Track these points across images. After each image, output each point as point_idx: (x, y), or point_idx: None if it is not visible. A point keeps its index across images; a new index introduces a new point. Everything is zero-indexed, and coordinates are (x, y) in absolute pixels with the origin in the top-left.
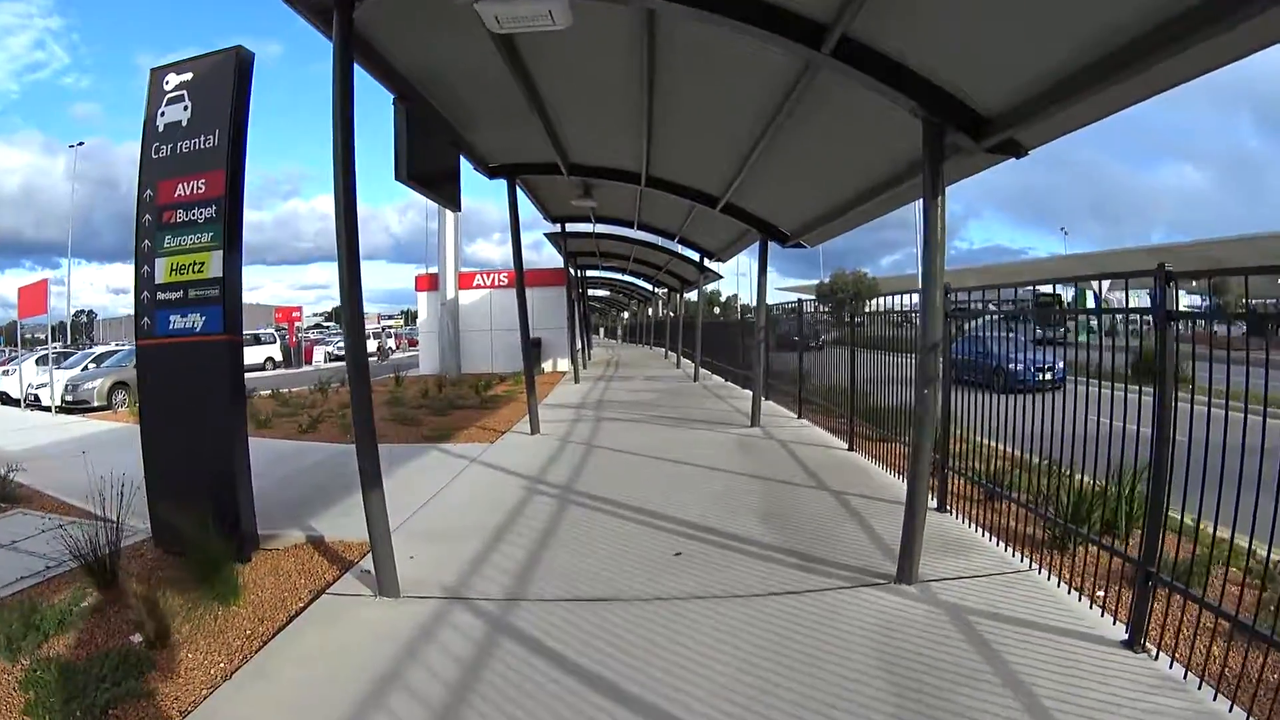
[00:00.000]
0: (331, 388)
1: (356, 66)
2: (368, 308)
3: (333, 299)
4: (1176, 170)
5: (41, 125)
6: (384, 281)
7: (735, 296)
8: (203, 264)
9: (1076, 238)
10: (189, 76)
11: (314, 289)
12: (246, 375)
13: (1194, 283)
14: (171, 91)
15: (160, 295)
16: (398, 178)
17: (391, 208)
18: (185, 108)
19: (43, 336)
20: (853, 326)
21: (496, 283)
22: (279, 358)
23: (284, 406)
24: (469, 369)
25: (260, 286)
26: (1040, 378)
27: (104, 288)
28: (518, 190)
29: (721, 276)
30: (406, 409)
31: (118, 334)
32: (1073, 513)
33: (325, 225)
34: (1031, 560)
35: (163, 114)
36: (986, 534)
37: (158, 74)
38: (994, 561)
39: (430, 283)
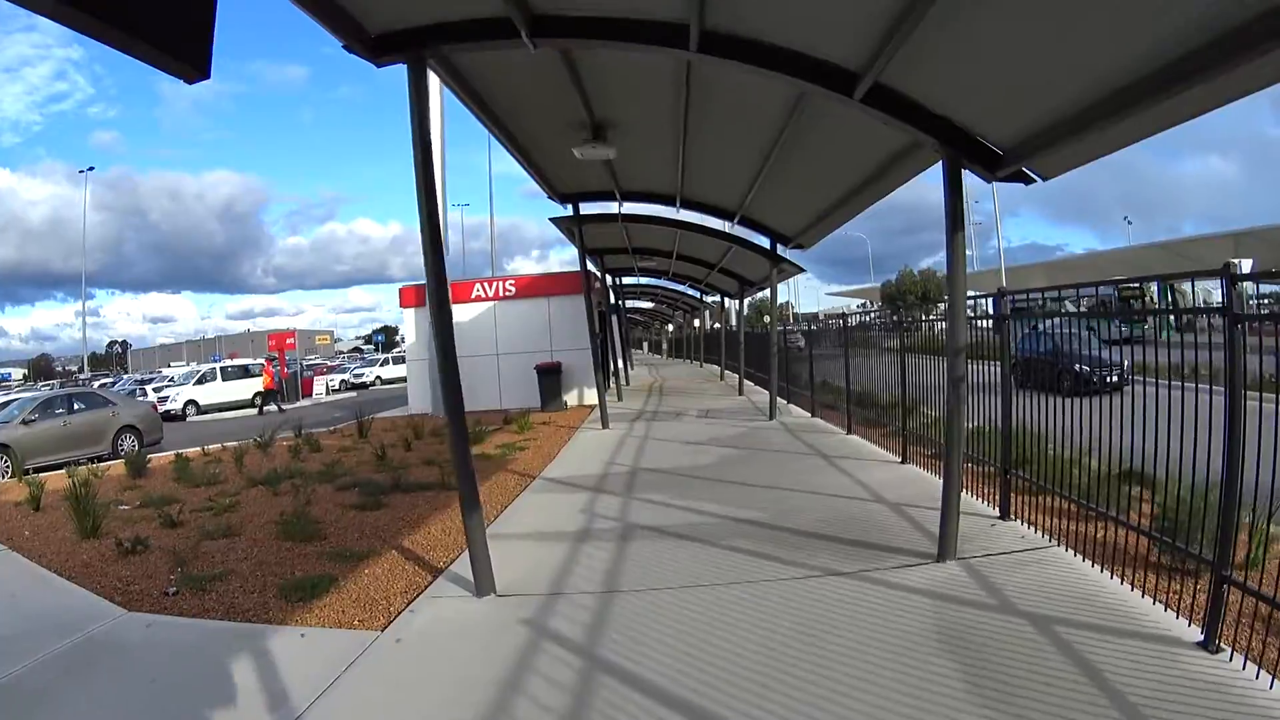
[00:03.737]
0: (279, 441)
1: None
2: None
3: (376, 320)
4: (1203, 162)
5: (65, 156)
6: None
7: (788, 303)
8: None
9: (1113, 231)
10: None
11: (357, 312)
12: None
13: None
14: None
15: None
16: None
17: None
18: None
19: (74, 369)
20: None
21: (503, 293)
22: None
23: (179, 480)
24: (473, 405)
25: (302, 311)
26: None
27: (140, 317)
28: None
29: (803, 270)
30: (330, 490)
31: (150, 364)
32: None
33: (364, 248)
34: None
35: None
36: None
37: None
38: None
39: (418, 296)
